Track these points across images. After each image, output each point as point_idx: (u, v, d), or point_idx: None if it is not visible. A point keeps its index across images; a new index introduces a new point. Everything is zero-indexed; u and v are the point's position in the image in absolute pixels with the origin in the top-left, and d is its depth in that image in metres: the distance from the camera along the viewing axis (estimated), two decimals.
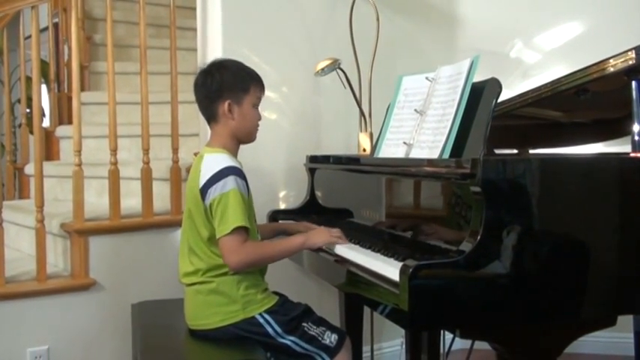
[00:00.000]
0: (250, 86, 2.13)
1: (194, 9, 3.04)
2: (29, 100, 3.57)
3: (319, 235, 2.14)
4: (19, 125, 4.07)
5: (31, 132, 3.19)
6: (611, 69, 1.84)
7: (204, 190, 2.00)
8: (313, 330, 2.04)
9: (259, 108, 2.17)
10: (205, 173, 2.02)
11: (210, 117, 2.13)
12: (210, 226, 2.01)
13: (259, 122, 2.18)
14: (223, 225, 1.96)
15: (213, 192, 1.98)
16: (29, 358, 2.56)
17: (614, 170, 1.75)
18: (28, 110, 3.89)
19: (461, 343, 2.88)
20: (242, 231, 1.97)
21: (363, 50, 2.83)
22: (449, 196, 1.80)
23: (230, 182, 1.98)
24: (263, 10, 2.91)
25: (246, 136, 2.16)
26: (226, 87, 2.09)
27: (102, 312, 2.70)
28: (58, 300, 2.63)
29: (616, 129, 2.33)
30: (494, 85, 1.90)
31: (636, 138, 1.87)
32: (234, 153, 2.13)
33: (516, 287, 1.59)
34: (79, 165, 2.71)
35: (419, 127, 2.11)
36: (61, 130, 3.81)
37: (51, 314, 2.61)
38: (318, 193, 2.69)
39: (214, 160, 2.04)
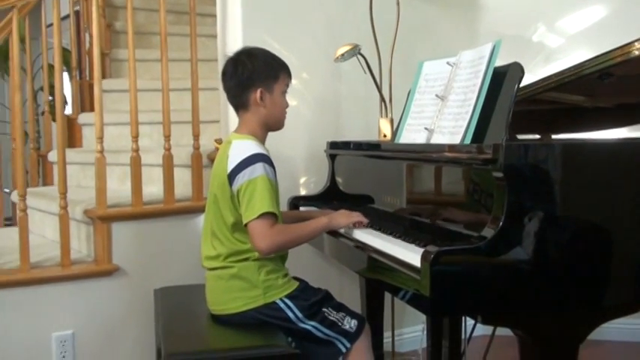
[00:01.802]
0: (280, 74, 2.14)
1: None
2: (51, 87, 3.61)
3: (342, 216, 2.16)
4: (42, 113, 4.11)
5: (54, 119, 3.22)
6: (636, 52, 1.80)
7: (232, 176, 2.01)
8: (333, 315, 2.05)
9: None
10: (234, 159, 2.03)
11: (241, 105, 2.13)
12: (236, 211, 2.02)
13: (287, 109, 2.19)
14: (250, 210, 1.97)
15: (242, 178, 1.99)
16: (54, 342, 2.60)
17: (638, 155, 1.73)
18: (50, 98, 3.93)
19: (483, 329, 2.88)
20: (270, 216, 1.98)
21: (383, 35, 2.81)
22: (470, 181, 1.79)
23: (258, 169, 1.99)
24: None
25: (275, 123, 2.17)
26: (258, 75, 2.10)
27: (125, 297, 2.73)
28: (82, 285, 2.66)
29: None
30: (517, 69, 1.88)
31: None
32: (262, 140, 2.14)
33: (538, 274, 1.58)
34: (101, 152, 2.74)
35: (440, 112, 2.10)
36: (83, 118, 3.84)
37: (75, 299, 2.65)
38: (339, 179, 2.69)
39: (243, 147, 2.05)
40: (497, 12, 3.37)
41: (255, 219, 1.96)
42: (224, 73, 2.16)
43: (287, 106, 2.18)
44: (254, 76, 2.10)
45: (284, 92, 2.16)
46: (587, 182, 1.67)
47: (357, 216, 2.14)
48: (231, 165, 2.02)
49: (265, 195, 1.97)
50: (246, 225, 1.99)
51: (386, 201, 2.24)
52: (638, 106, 2.28)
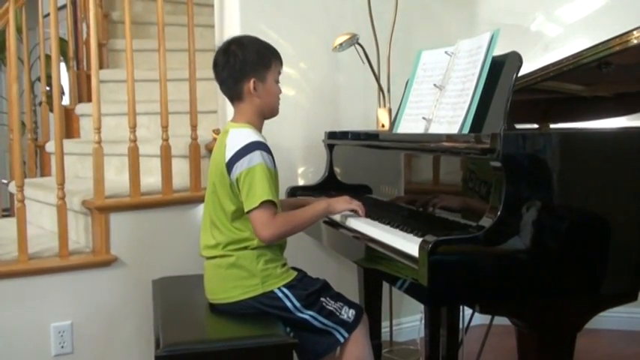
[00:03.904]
0: (272, 62, 2.13)
1: None
2: (49, 78, 3.60)
3: (340, 201, 2.16)
4: (40, 103, 4.09)
5: (51, 110, 3.21)
6: (635, 41, 1.79)
7: (230, 165, 2.01)
8: (331, 305, 2.05)
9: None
10: (231, 148, 2.02)
11: (235, 96, 2.13)
12: (237, 200, 2.02)
13: (280, 96, 2.18)
14: (251, 199, 1.97)
15: (240, 166, 1.99)
16: (53, 332, 2.61)
17: (636, 144, 1.72)
18: (47, 88, 3.91)
19: (480, 319, 2.89)
20: (271, 204, 1.98)
21: (381, 25, 2.80)
22: (468, 171, 1.79)
23: (257, 157, 1.99)
24: None
25: (270, 111, 2.17)
26: (250, 65, 2.09)
27: (123, 288, 2.73)
28: (80, 276, 2.66)
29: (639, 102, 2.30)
30: (515, 58, 1.88)
31: None
32: (259, 129, 2.14)
33: (536, 263, 1.58)
34: (99, 142, 2.73)
35: (438, 102, 2.09)
36: (81, 108, 3.82)
37: (73, 290, 2.65)
38: (337, 170, 2.69)
39: (240, 135, 2.05)
40: (496, 1, 3.36)
41: (257, 208, 1.96)
42: (215, 65, 2.14)
43: (280, 92, 2.17)
44: (246, 66, 2.08)
45: (276, 80, 2.15)
46: (586, 172, 1.67)
47: (356, 205, 2.14)
48: (229, 153, 2.02)
49: (265, 183, 1.97)
50: (247, 213, 1.99)
51: (384, 191, 2.24)
52: (636, 95, 2.28)
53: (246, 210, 2.00)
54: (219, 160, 2.05)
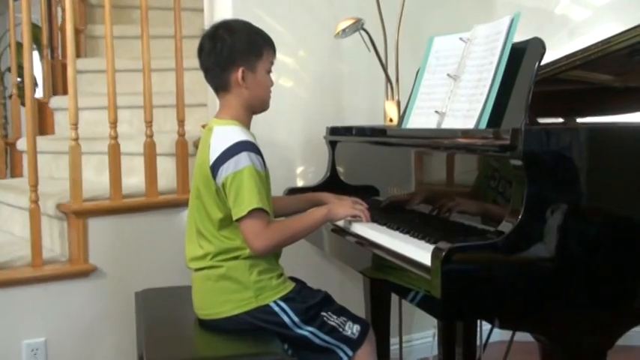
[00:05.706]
0: (263, 51, 2.12)
1: None
2: (20, 68, 3.60)
3: (341, 207, 2.15)
4: (10, 96, 4.11)
5: (23, 104, 3.21)
6: None
7: (215, 168, 2.00)
8: (333, 320, 2.05)
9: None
10: (216, 149, 2.01)
11: (220, 86, 2.12)
12: (224, 207, 2.02)
13: (271, 88, 2.18)
14: (239, 206, 1.96)
15: (226, 170, 1.98)
16: (25, 350, 2.61)
17: None
18: (19, 79, 3.92)
19: (500, 335, 2.89)
20: (262, 212, 1.97)
21: (388, 8, 2.80)
22: (486, 170, 1.79)
23: (243, 159, 1.97)
24: None
25: (260, 105, 2.16)
26: (239, 53, 2.08)
27: (103, 300, 2.73)
28: (55, 288, 2.67)
29: None
30: (537, 45, 1.88)
31: None
32: (246, 124, 2.13)
33: (562, 272, 1.58)
34: (76, 139, 2.73)
35: (452, 93, 2.10)
36: (56, 101, 3.83)
37: (48, 303, 2.65)
38: (340, 169, 2.69)
39: (225, 134, 2.04)
40: None
41: (246, 217, 1.95)
42: (200, 50, 2.13)
43: (272, 84, 2.17)
44: (235, 53, 2.07)
45: (268, 71, 2.14)
46: (616, 171, 1.67)
47: (360, 210, 2.14)
48: (214, 155, 2.00)
49: (253, 189, 1.96)
50: (237, 221, 1.99)
51: (392, 192, 2.24)
52: None
53: (234, 219, 1.99)
54: (203, 162, 2.04)
